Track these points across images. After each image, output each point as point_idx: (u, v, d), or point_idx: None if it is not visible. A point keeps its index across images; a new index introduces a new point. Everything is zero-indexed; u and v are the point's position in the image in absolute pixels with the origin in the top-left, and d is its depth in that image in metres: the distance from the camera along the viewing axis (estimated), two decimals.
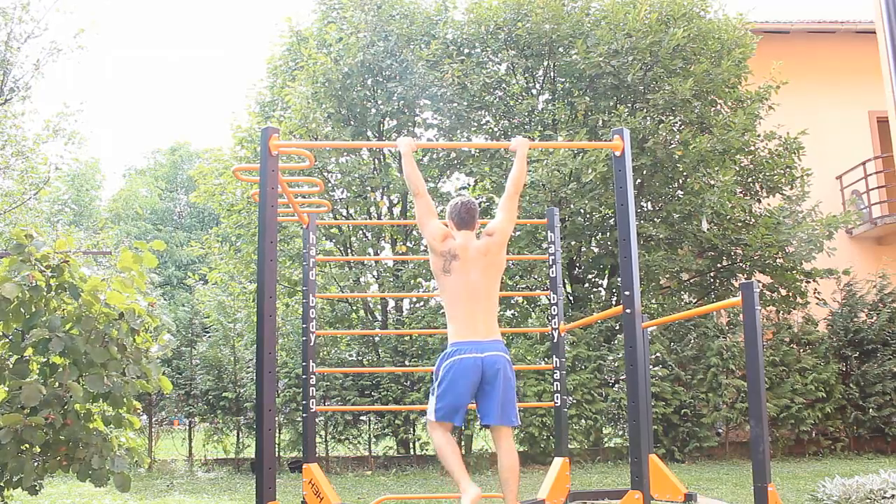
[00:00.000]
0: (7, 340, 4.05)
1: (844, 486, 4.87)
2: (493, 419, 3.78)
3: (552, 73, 10.86)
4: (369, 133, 10.88)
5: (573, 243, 10.22)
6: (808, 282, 10.35)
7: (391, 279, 10.15)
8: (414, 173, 4.00)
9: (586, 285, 11.14)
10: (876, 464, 8.50)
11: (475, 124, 10.87)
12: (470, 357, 3.74)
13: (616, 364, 9.85)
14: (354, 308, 11.05)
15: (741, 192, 10.43)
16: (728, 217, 10.09)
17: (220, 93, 59.98)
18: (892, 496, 4.58)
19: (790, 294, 10.34)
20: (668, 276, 10.45)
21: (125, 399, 4.13)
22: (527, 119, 10.53)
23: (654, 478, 5.22)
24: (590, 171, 9.18)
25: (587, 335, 9.82)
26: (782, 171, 10.38)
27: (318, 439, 9.33)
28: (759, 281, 9.75)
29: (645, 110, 9.95)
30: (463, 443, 9.66)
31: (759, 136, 10.40)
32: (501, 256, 4.01)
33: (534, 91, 11.12)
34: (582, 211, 9.90)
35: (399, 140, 4.10)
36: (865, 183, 12.39)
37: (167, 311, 11.13)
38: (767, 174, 10.37)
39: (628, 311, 3.86)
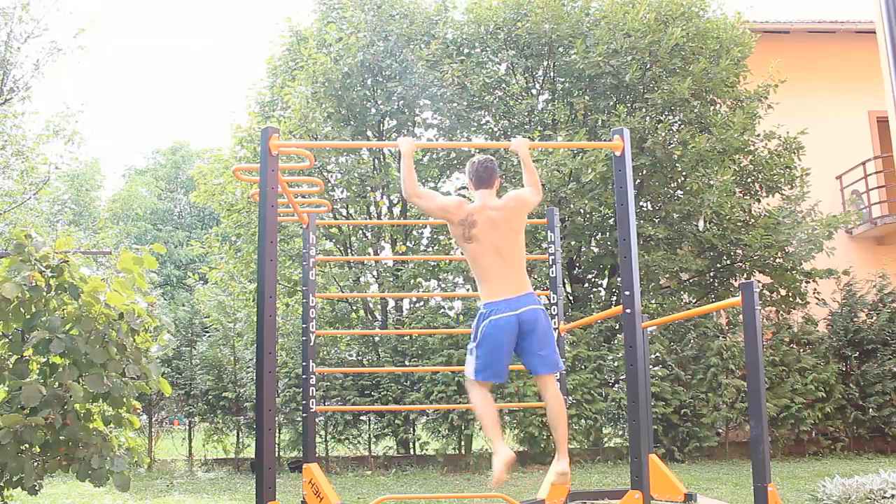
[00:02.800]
0: (7, 340, 4.06)
1: (844, 486, 4.86)
2: (540, 370, 3.87)
3: (552, 73, 10.86)
4: (369, 133, 10.88)
5: (573, 243, 10.22)
6: (807, 282, 10.35)
7: (391, 279, 10.15)
8: (410, 174, 3.99)
9: (586, 285, 11.14)
10: (876, 464, 8.50)
11: (475, 124, 10.87)
12: (504, 316, 3.77)
13: (616, 364, 9.85)
14: (354, 308, 11.05)
15: (740, 192, 10.43)
16: (727, 217, 10.09)
17: (220, 93, 60.00)
18: (892, 496, 4.57)
19: (789, 294, 10.34)
20: (667, 276, 10.45)
21: (125, 399, 4.14)
22: (526, 119, 10.53)
23: (654, 478, 5.22)
24: (589, 170, 9.18)
25: (587, 335, 9.82)
26: (782, 171, 10.38)
27: (318, 439, 9.33)
28: (758, 281, 9.75)
29: (644, 110, 9.95)
30: (462, 443, 9.66)
31: (758, 135, 10.40)
32: (522, 220, 4.00)
33: (533, 91, 11.12)
34: (582, 211, 9.90)
35: (400, 140, 4.11)
36: (865, 183, 12.38)
37: (167, 311, 11.14)
38: (767, 174, 10.36)
39: (628, 311, 3.86)
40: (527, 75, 11.05)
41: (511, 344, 3.81)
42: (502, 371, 3.83)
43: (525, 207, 4.03)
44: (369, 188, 10.49)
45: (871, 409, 9.72)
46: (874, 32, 7.11)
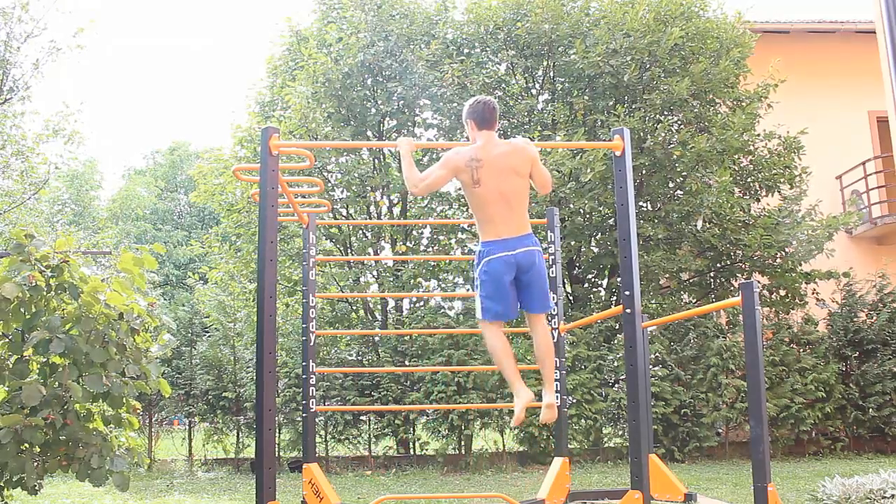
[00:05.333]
0: (7, 340, 4.05)
1: (844, 486, 4.86)
2: (533, 309, 3.93)
3: (551, 73, 10.85)
4: (369, 133, 10.88)
5: (573, 243, 10.22)
6: (807, 283, 10.34)
7: (391, 279, 10.15)
8: (411, 170, 3.93)
9: (586, 285, 11.13)
10: (876, 464, 8.50)
11: None
12: (502, 256, 3.79)
13: (616, 364, 9.84)
14: (354, 308, 11.05)
15: (740, 192, 10.42)
16: (727, 217, 10.09)
17: (220, 93, 60.01)
18: (892, 496, 4.57)
19: (788, 294, 10.33)
20: (667, 276, 10.45)
21: (125, 399, 4.13)
22: (526, 119, 10.53)
23: (654, 478, 5.22)
24: (588, 170, 9.18)
25: (587, 335, 9.82)
26: (781, 171, 10.37)
27: (318, 439, 9.33)
28: (758, 282, 9.75)
29: (643, 110, 9.94)
30: (462, 443, 9.66)
31: (758, 135, 10.40)
32: (527, 167, 3.88)
33: (533, 91, 11.11)
34: (581, 211, 9.90)
35: (399, 140, 4.07)
36: (865, 183, 12.38)
37: (167, 311, 11.14)
38: (766, 174, 10.35)
39: (628, 311, 3.85)
40: (526, 75, 11.04)
41: (510, 281, 3.84)
42: (509, 308, 3.86)
43: (532, 165, 3.90)
44: (369, 188, 10.49)
45: (871, 409, 9.71)
46: (874, 32, 7.11)
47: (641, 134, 9.72)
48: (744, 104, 10.20)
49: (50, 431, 3.91)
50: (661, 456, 8.90)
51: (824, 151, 11.60)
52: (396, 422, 9.67)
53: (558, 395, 5.51)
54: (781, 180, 10.40)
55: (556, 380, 5.53)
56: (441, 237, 10.61)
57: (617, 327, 10.12)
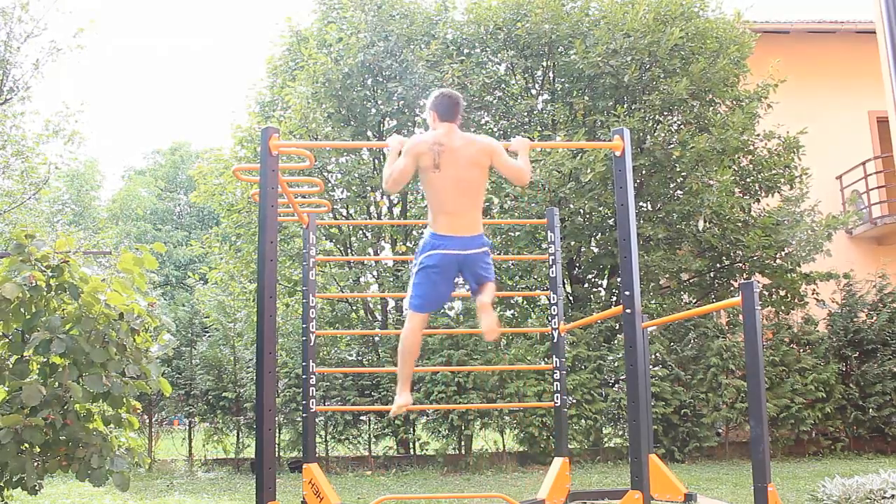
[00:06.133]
0: (7, 340, 4.05)
1: (844, 486, 4.86)
2: (476, 293, 3.90)
3: (551, 74, 10.85)
4: (369, 133, 10.88)
5: (573, 243, 10.22)
6: (807, 284, 10.34)
7: (391, 279, 10.15)
8: (389, 168, 3.84)
9: (586, 285, 11.13)
10: (876, 464, 8.50)
11: (475, 124, 10.87)
12: (451, 253, 3.74)
13: (616, 364, 9.84)
14: (354, 308, 11.05)
15: (740, 192, 10.42)
16: (727, 217, 10.08)
17: (220, 93, 60.01)
18: (892, 496, 4.57)
19: (788, 294, 10.33)
20: (667, 276, 10.44)
21: (125, 399, 4.14)
22: (526, 119, 10.53)
23: (654, 478, 5.22)
24: (588, 170, 9.18)
25: (587, 335, 9.81)
26: (781, 171, 10.37)
27: (318, 439, 9.33)
28: (758, 282, 9.75)
29: (643, 110, 9.94)
30: (462, 443, 9.66)
31: (758, 135, 10.39)
32: (486, 161, 3.83)
33: (533, 91, 11.11)
34: (581, 211, 9.90)
35: (391, 137, 4.04)
36: (865, 183, 12.38)
37: (167, 311, 11.15)
38: (766, 174, 10.35)
39: (628, 311, 3.86)
40: (526, 76, 11.04)
41: (450, 279, 3.83)
42: (439, 303, 3.96)
43: (493, 157, 3.83)
44: (369, 188, 10.49)
45: (871, 409, 9.71)
46: (874, 32, 7.12)
47: (641, 134, 9.72)
48: (743, 104, 10.19)
49: (50, 431, 3.91)
50: (661, 456, 8.90)
51: (824, 151, 11.59)
52: (396, 422, 9.67)
53: (558, 394, 5.51)
54: (781, 180, 10.39)
55: (556, 379, 5.56)
56: None
57: (617, 327, 10.12)
